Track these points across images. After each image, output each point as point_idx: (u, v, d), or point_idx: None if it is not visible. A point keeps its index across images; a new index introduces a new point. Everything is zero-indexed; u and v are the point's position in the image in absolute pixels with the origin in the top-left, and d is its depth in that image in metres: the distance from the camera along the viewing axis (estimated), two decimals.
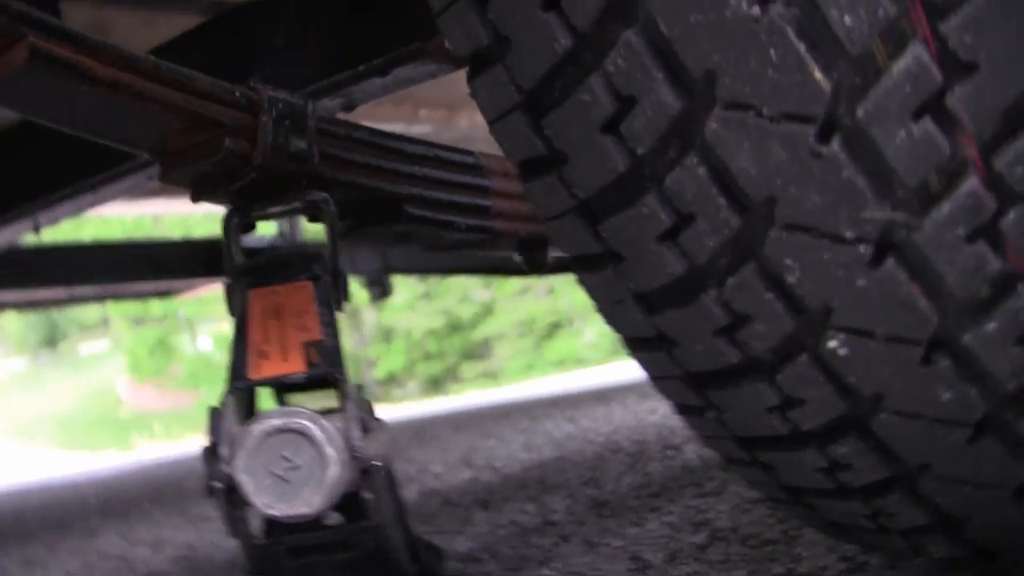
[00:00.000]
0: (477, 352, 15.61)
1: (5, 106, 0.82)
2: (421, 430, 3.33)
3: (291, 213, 0.98)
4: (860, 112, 0.60)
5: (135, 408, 19.16)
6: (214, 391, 0.89)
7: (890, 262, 0.62)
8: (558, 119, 0.71)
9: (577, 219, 0.75)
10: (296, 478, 0.78)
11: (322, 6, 1.21)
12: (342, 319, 0.93)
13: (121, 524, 2.32)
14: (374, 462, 0.81)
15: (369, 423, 0.83)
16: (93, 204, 1.54)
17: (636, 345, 0.81)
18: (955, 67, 0.59)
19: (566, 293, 13.53)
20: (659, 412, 2.38)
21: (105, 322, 22.74)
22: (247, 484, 0.78)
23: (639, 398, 2.83)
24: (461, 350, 15.59)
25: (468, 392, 10.61)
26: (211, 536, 1.86)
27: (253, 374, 0.85)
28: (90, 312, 20.96)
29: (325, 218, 0.97)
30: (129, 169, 1.36)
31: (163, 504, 2.54)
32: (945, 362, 0.64)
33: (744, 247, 0.66)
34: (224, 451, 0.79)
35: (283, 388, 0.94)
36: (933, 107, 0.59)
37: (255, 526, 0.84)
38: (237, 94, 0.90)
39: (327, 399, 0.90)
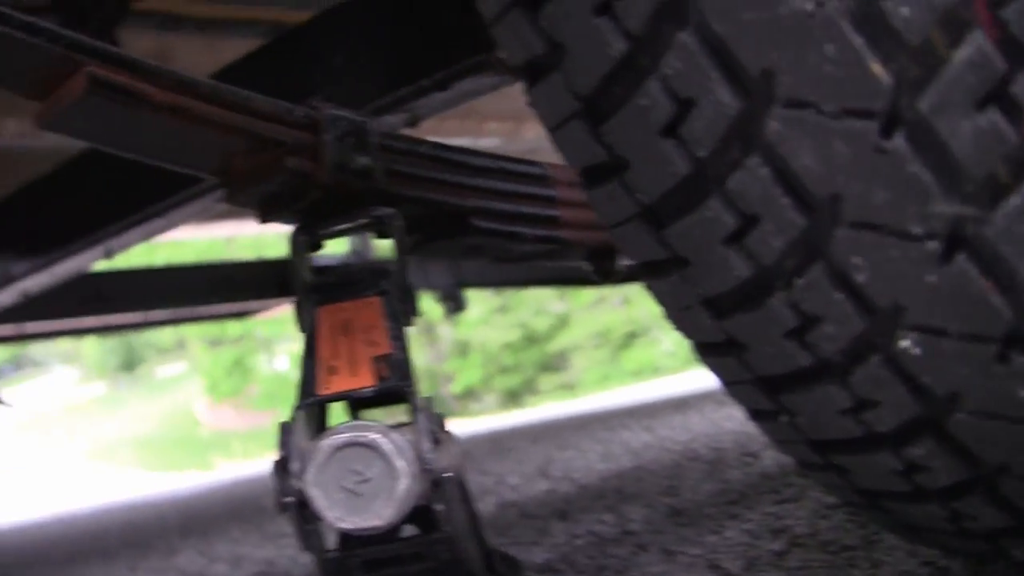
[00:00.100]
0: (553, 364, 15.58)
1: (69, 135, 0.83)
2: (498, 442, 3.33)
3: (358, 230, 0.99)
4: (923, 105, 0.59)
5: (214, 428, 19.41)
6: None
7: (960, 257, 0.61)
8: (617, 125, 0.70)
9: (641, 225, 0.74)
10: (367, 491, 0.78)
11: (381, 23, 1.22)
12: (414, 334, 0.94)
13: (200, 542, 2.35)
14: (445, 474, 0.81)
15: (439, 435, 0.83)
16: (164, 229, 1.56)
17: (706, 351, 0.80)
18: (1019, 54, 0.57)
19: (642, 303, 13.42)
20: (736, 419, 2.35)
21: (182, 344, 23.11)
22: (318, 498, 0.78)
23: (716, 405, 2.81)
24: (537, 362, 15.56)
25: (545, 404, 10.59)
26: (289, 552, 1.88)
27: (322, 389, 0.85)
28: (166, 335, 21.30)
29: (392, 233, 0.98)
30: (197, 193, 1.38)
31: (242, 522, 2.57)
32: (1021, 359, 0.62)
33: (811, 247, 0.65)
34: (295, 466, 0.80)
35: (354, 403, 0.95)
36: (998, 96, 0.58)
37: (330, 540, 0.84)
38: (297, 113, 0.91)
39: (400, 413, 0.90)
